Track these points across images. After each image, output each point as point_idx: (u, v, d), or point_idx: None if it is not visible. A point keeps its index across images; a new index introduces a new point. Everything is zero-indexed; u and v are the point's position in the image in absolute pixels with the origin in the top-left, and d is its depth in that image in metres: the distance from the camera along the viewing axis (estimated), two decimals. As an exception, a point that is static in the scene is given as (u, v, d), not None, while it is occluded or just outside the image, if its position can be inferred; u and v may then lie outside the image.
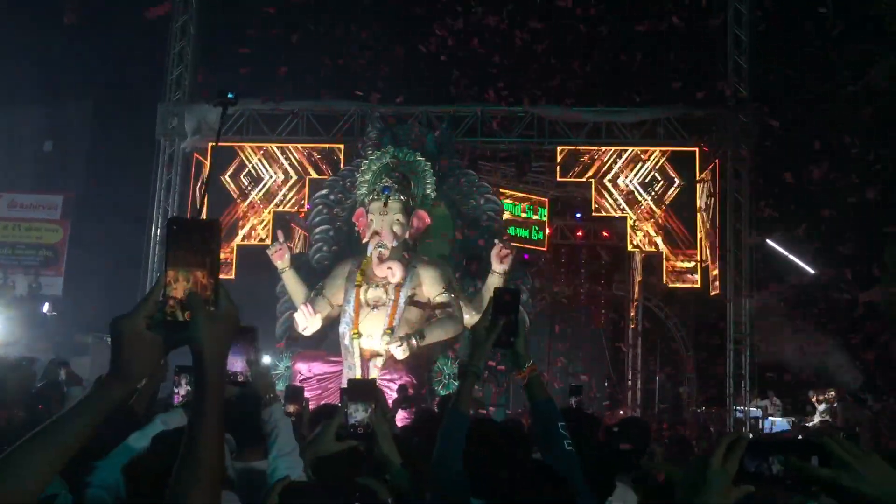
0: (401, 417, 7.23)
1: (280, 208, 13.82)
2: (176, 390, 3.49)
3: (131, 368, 1.37)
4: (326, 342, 9.26)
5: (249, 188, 13.78)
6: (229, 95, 2.86)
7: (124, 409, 3.44)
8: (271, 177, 13.78)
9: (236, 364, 2.39)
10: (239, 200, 13.74)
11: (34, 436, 1.31)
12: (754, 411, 13.48)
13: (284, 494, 1.48)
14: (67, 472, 2.63)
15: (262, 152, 13.85)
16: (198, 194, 13.70)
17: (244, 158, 13.82)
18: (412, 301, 8.84)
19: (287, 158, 13.80)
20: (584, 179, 13.67)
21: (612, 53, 13.21)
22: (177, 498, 1.30)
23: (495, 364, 9.30)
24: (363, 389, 2.53)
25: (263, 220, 13.73)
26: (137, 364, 1.37)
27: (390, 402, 8.04)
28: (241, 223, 13.76)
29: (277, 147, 13.84)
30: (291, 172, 13.78)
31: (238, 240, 13.71)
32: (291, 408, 4.22)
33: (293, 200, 13.72)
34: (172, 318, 1.35)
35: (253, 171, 13.82)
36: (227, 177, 13.77)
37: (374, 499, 1.39)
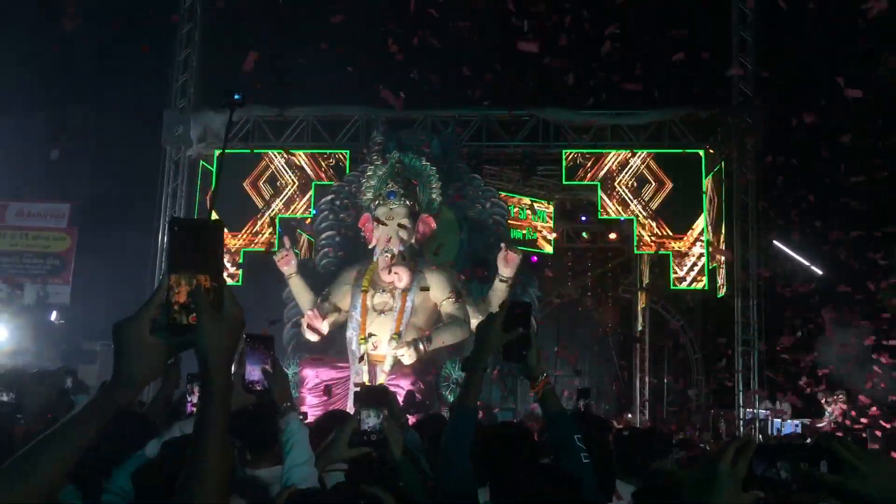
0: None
1: (286, 214, 13.84)
2: (189, 399, 3.49)
3: (135, 373, 1.35)
4: (334, 348, 9.26)
5: (247, 193, 13.78)
6: (236, 97, 2.84)
7: (138, 416, 3.45)
8: (277, 183, 13.81)
9: (254, 373, 2.39)
10: (242, 205, 13.75)
11: (40, 441, 1.30)
12: (763, 413, 13.44)
13: (290, 502, 1.48)
14: (83, 479, 2.65)
15: (266, 158, 13.88)
16: (207, 202, 13.73)
17: (248, 165, 13.85)
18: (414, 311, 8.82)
19: (292, 165, 13.82)
20: (590, 182, 13.66)
21: (617, 56, 13.18)
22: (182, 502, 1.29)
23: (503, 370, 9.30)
24: (375, 396, 2.53)
25: (269, 227, 13.74)
26: (141, 369, 1.35)
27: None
28: (246, 228, 13.79)
29: (282, 153, 13.87)
30: (296, 179, 13.80)
31: (243, 246, 13.73)
32: None
33: (299, 207, 13.74)
34: (176, 321, 1.33)
35: (258, 176, 13.85)
36: (247, 184, 13.80)
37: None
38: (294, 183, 13.77)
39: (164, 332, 1.34)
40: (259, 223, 13.79)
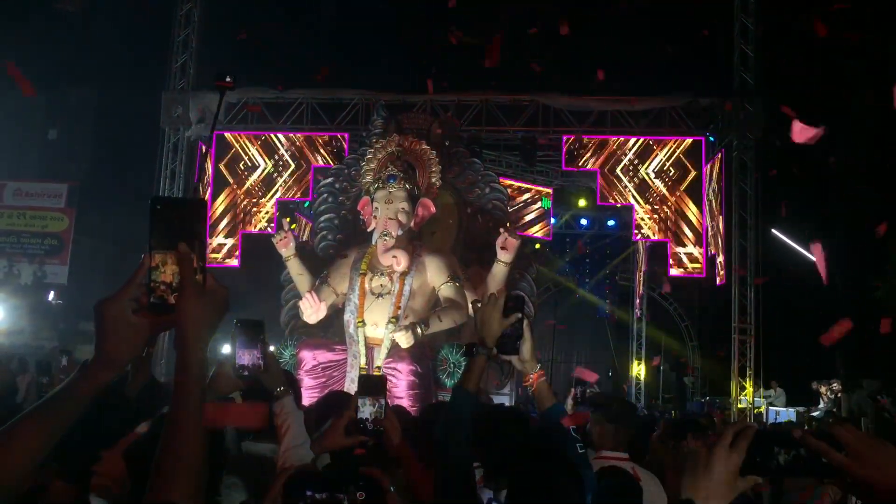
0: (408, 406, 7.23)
1: (284, 197, 13.83)
2: None
3: (116, 353, 1.34)
4: (332, 330, 9.25)
5: (251, 176, 13.77)
6: (227, 79, 2.79)
7: (118, 397, 3.46)
8: (277, 165, 13.77)
9: (243, 357, 2.40)
10: (236, 188, 13.74)
11: (19, 419, 1.29)
12: (759, 401, 13.48)
13: (289, 483, 1.48)
14: (64, 461, 2.64)
15: (259, 142, 13.83)
16: (202, 185, 13.71)
17: (246, 148, 13.82)
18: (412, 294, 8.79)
19: (291, 147, 13.78)
20: (589, 168, 13.63)
21: (620, 42, 13.13)
22: (159, 481, 1.27)
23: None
24: (373, 385, 2.52)
25: (267, 209, 13.74)
26: (122, 348, 1.34)
27: (395, 390, 8.05)
28: (242, 212, 13.78)
29: (281, 136, 13.83)
30: (295, 161, 13.77)
31: (241, 227, 13.74)
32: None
33: (297, 189, 13.73)
34: (160, 301, 1.32)
35: (256, 160, 13.81)
36: (222, 165, 13.77)
37: (379, 488, 1.39)
38: (293, 166, 13.75)
39: (147, 311, 1.33)
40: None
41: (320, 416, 3.16)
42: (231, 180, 13.84)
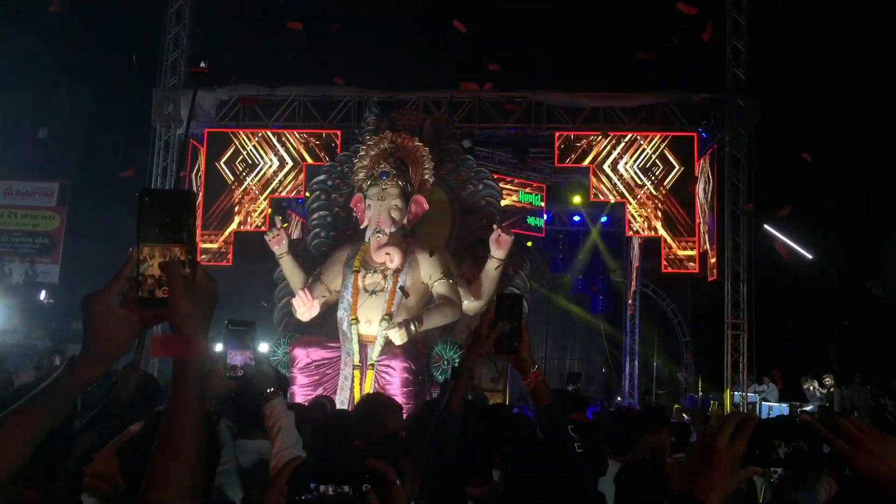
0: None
1: (277, 195, 13.79)
2: None
3: (104, 348, 1.32)
4: (325, 328, 9.23)
5: (244, 174, 13.72)
6: (201, 64, 2.74)
7: (108, 398, 3.44)
8: (267, 163, 13.72)
9: (235, 357, 2.38)
10: (234, 187, 13.71)
11: (4, 416, 1.28)
12: (752, 396, 13.51)
13: (293, 476, 1.47)
14: (54, 461, 2.62)
15: (257, 138, 13.79)
16: (194, 181, 13.66)
17: (238, 145, 13.78)
18: (405, 291, 8.78)
19: (283, 145, 13.74)
20: (582, 165, 13.63)
21: (611, 38, 13.13)
22: (154, 479, 1.25)
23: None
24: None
25: (260, 207, 13.70)
26: (110, 344, 1.32)
27: (389, 387, 8.04)
28: (237, 209, 13.73)
29: (273, 133, 13.78)
30: (287, 159, 13.73)
31: (235, 226, 13.69)
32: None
33: (290, 187, 13.70)
34: (148, 295, 1.29)
35: (248, 157, 13.77)
36: (221, 163, 13.73)
37: (384, 480, 1.38)
38: (286, 163, 13.71)
39: (135, 305, 1.30)
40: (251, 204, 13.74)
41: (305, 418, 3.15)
42: (225, 179, 13.78)
